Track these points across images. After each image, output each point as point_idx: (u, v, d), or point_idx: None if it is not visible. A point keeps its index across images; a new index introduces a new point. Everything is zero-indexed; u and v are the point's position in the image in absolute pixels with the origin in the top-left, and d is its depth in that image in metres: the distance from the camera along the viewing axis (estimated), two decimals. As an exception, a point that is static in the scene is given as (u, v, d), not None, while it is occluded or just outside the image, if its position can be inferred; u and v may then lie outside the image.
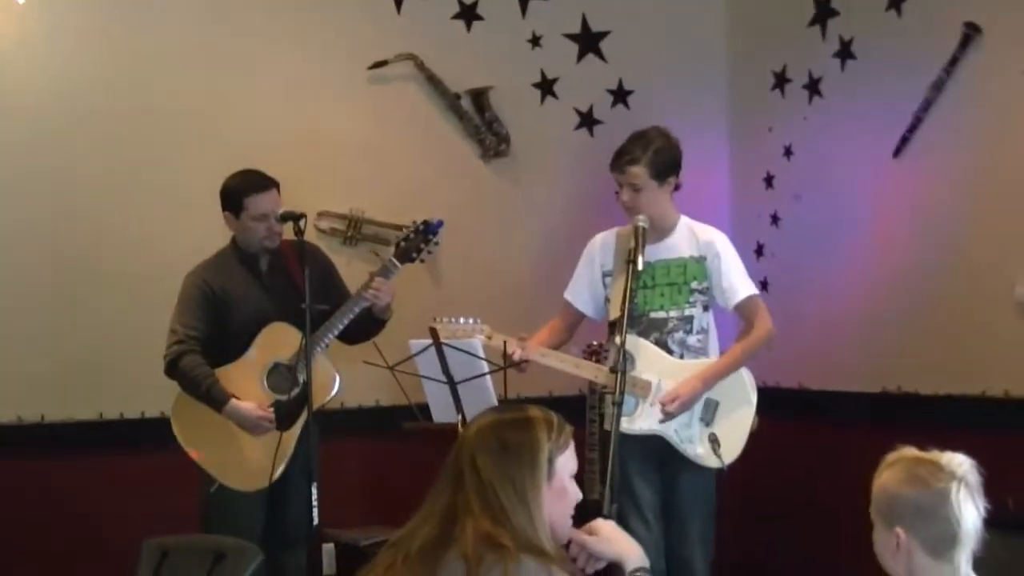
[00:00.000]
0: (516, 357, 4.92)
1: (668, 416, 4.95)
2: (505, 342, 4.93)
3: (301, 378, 5.02)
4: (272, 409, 5.10)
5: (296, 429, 5.09)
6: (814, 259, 6.67)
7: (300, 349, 5.00)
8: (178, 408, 5.18)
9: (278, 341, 5.14)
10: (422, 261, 5.42)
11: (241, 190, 5.18)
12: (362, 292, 5.20)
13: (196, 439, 5.14)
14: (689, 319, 5.08)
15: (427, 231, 5.29)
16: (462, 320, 4.92)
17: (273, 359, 5.15)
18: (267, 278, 5.27)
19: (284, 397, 5.11)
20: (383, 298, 5.20)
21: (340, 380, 5.20)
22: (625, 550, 2.85)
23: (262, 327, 5.16)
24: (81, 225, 5.92)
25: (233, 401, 5.06)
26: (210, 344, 5.15)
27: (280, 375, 5.14)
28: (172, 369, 5.12)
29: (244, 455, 5.10)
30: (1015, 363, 5.67)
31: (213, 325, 5.17)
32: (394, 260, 5.26)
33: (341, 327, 5.16)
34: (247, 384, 5.12)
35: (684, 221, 5.18)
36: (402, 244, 5.32)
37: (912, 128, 6.09)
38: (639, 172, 4.99)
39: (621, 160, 5.03)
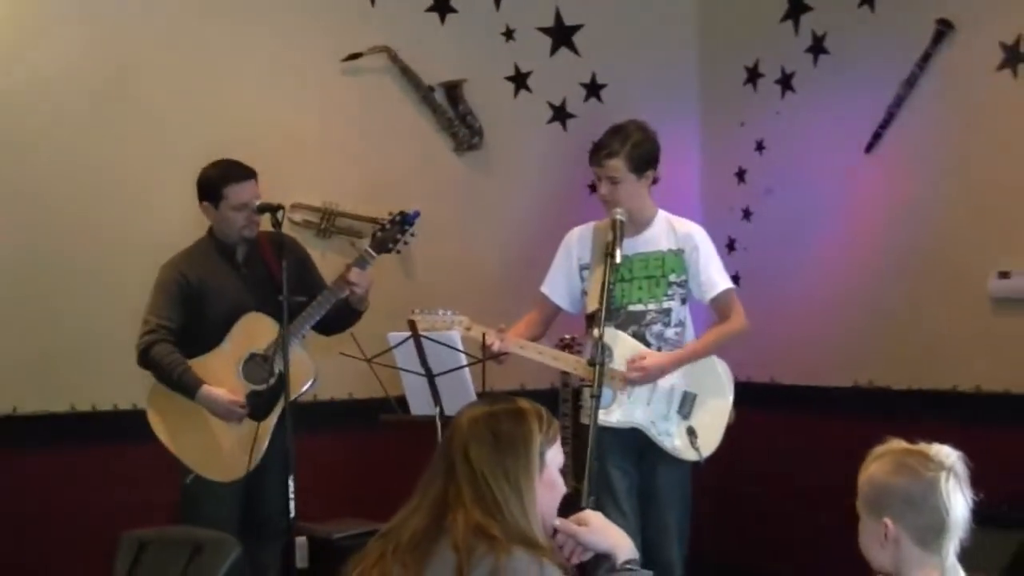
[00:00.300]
0: (495, 349, 4.92)
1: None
2: (484, 334, 4.93)
3: (277, 369, 5.01)
4: (245, 397, 5.09)
5: (272, 420, 5.08)
6: (786, 254, 6.70)
7: (277, 340, 4.99)
8: (153, 399, 5.16)
9: (254, 332, 5.13)
10: (398, 252, 5.42)
11: (220, 180, 5.15)
12: (339, 282, 5.19)
13: (172, 430, 5.13)
14: (667, 312, 5.09)
15: (404, 222, 5.29)
16: (440, 312, 4.91)
17: (249, 350, 5.14)
18: (244, 268, 5.26)
19: (260, 387, 5.10)
20: (360, 288, 5.19)
21: (317, 372, 5.20)
22: (616, 542, 2.84)
23: (238, 318, 5.14)
24: (53, 215, 5.83)
25: (205, 387, 5.04)
26: (185, 335, 5.13)
27: (256, 366, 5.12)
28: (144, 358, 5.10)
29: (220, 446, 5.08)
30: (986, 358, 5.72)
31: (187, 316, 5.15)
32: (370, 250, 5.25)
33: (318, 318, 5.15)
34: (223, 374, 5.10)
35: (662, 215, 5.19)
36: (379, 234, 5.31)
37: (885, 123, 6.13)
38: (618, 165, 4.99)
39: (600, 153, 5.03)
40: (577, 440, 5.60)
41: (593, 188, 5.23)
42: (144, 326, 5.11)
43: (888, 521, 2.76)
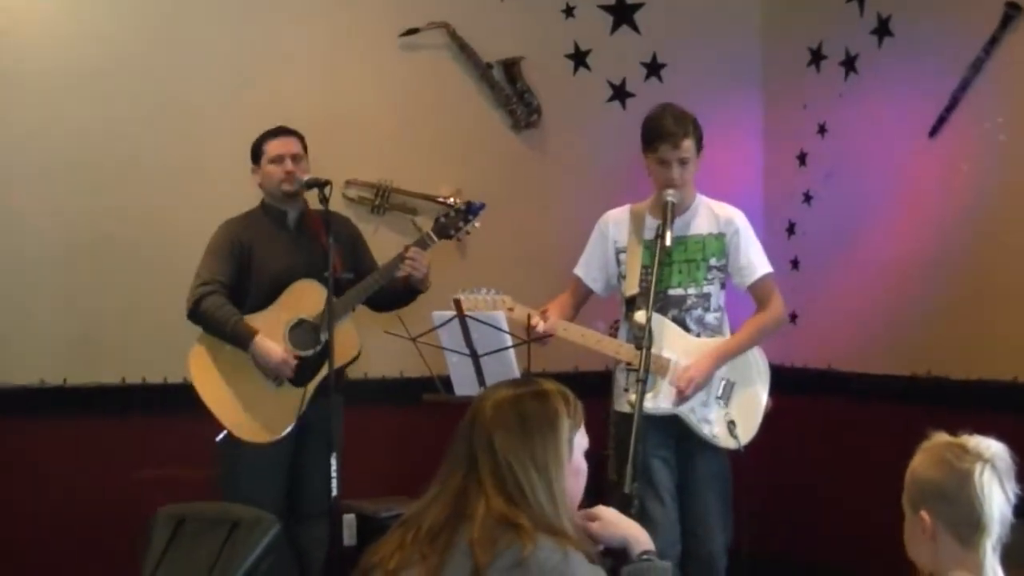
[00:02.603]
0: (539, 330, 4.86)
1: (684, 399, 4.89)
2: (528, 315, 4.87)
3: (323, 337, 4.99)
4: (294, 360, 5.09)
5: (311, 387, 5.07)
6: (846, 238, 6.60)
7: (325, 310, 4.97)
8: (197, 355, 5.16)
9: (305, 298, 5.13)
10: (458, 240, 5.38)
11: (261, 139, 5.27)
12: (397, 262, 5.16)
13: (212, 386, 5.12)
14: (707, 296, 5.00)
15: (468, 211, 5.25)
16: (483, 291, 4.85)
17: (298, 315, 5.13)
18: (294, 233, 5.27)
19: (305, 353, 5.09)
20: (417, 269, 5.17)
21: (362, 346, 5.19)
22: (630, 534, 2.78)
23: (287, 282, 5.15)
24: (104, 199, 5.91)
25: (259, 338, 5.05)
26: (235, 295, 5.15)
27: (303, 332, 5.13)
28: (196, 309, 5.10)
29: (257, 408, 5.09)
30: (1048, 349, 5.60)
31: (238, 276, 5.17)
32: (431, 234, 5.23)
33: (371, 292, 5.14)
34: (269, 336, 5.08)
35: (700, 198, 5.08)
36: (442, 220, 5.29)
37: (949, 108, 6.01)
38: (690, 146, 4.91)
39: (677, 135, 4.89)
40: (618, 427, 5.49)
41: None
42: (196, 279, 5.13)
43: (925, 515, 2.69)
